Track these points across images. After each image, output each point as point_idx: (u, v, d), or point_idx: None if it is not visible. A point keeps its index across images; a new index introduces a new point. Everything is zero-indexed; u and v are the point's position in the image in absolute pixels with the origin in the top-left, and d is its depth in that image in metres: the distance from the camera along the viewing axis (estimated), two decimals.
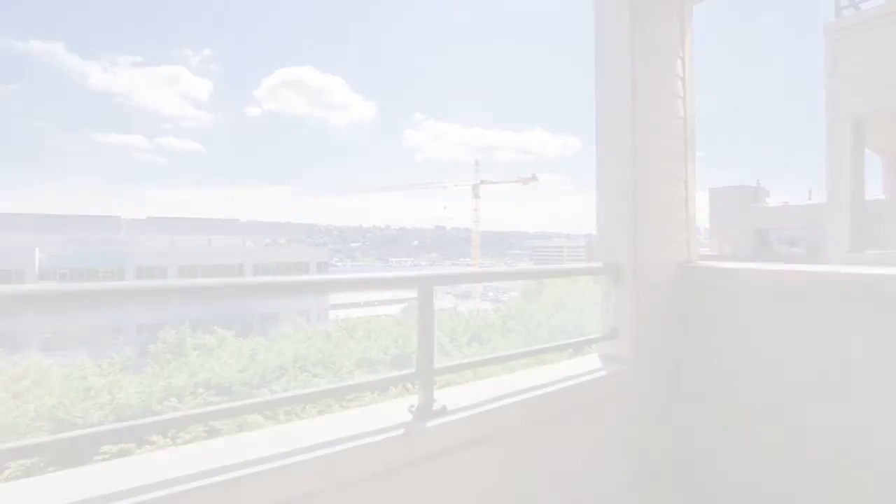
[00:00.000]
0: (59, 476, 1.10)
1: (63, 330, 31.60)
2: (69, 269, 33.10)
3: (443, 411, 1.55)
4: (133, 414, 11.29)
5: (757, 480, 2.02)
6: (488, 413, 1.60)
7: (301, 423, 1.50)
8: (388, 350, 16.93)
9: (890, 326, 1.69)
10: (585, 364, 2.10)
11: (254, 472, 1.19)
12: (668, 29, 2.23)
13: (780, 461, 1.96)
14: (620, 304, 2.17)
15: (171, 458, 1.29)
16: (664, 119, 2.21)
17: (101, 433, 1.11)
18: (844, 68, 4.54)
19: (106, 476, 1.15)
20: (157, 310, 34.44)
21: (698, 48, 2.30)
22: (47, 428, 9.94)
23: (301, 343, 15.57)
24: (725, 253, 30.91)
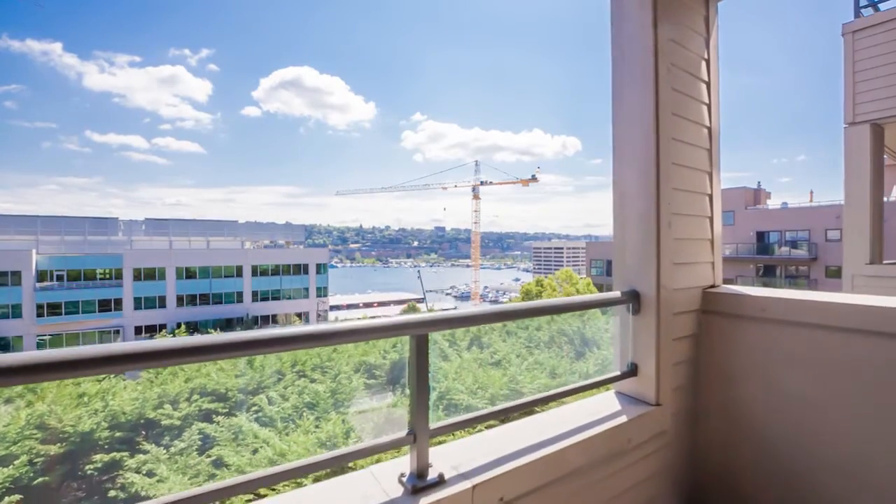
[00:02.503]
0: None
1: (59, 331, 31.44)
2: (66, 270, 32.90)
3: (440, 481, 1.31)
4: (127, 420, 11.08)
5: None
6: (495, 480, 1.36)
7: (266, 501, 1.23)
8: (388, 354, 16.78)
9: None
10: (602, 405, 1.87)
11: None
12: (692, 29, 2.02)
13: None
14: (641, 338, 1.92)
15: None
16: (689, 129, 2.00)
17: None
18: (864, 70, 4.36)
19: None
20: (155, 312, 34.31)
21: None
22: (38, 437, 9.72)
23: None
24: (725, 255, 30.75)
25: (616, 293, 1.90)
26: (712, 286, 2.14)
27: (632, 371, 1.92)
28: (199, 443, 10.65)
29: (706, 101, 2.08)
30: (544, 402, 1.61)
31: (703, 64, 2.08)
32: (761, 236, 31.64)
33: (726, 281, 2.25)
